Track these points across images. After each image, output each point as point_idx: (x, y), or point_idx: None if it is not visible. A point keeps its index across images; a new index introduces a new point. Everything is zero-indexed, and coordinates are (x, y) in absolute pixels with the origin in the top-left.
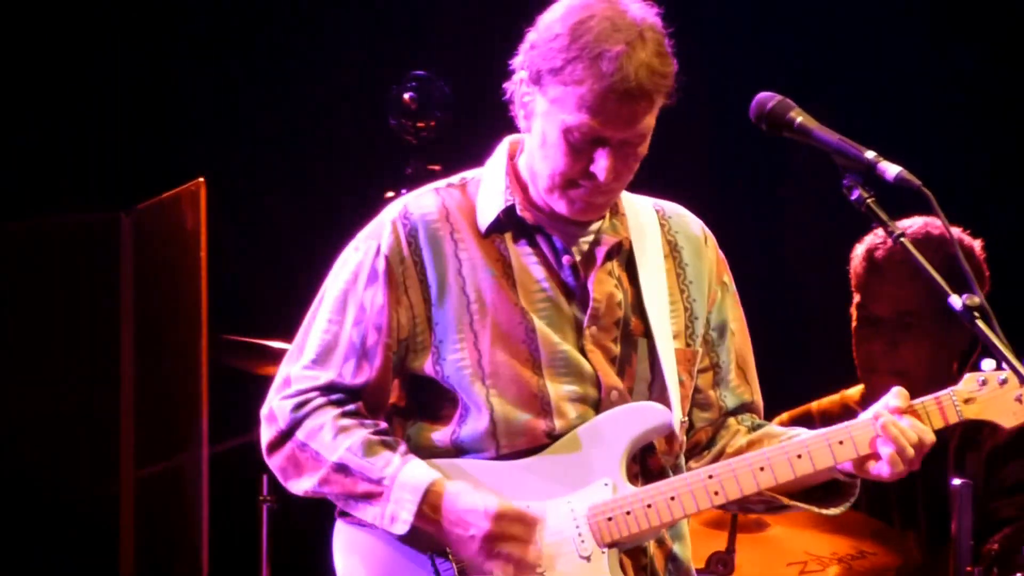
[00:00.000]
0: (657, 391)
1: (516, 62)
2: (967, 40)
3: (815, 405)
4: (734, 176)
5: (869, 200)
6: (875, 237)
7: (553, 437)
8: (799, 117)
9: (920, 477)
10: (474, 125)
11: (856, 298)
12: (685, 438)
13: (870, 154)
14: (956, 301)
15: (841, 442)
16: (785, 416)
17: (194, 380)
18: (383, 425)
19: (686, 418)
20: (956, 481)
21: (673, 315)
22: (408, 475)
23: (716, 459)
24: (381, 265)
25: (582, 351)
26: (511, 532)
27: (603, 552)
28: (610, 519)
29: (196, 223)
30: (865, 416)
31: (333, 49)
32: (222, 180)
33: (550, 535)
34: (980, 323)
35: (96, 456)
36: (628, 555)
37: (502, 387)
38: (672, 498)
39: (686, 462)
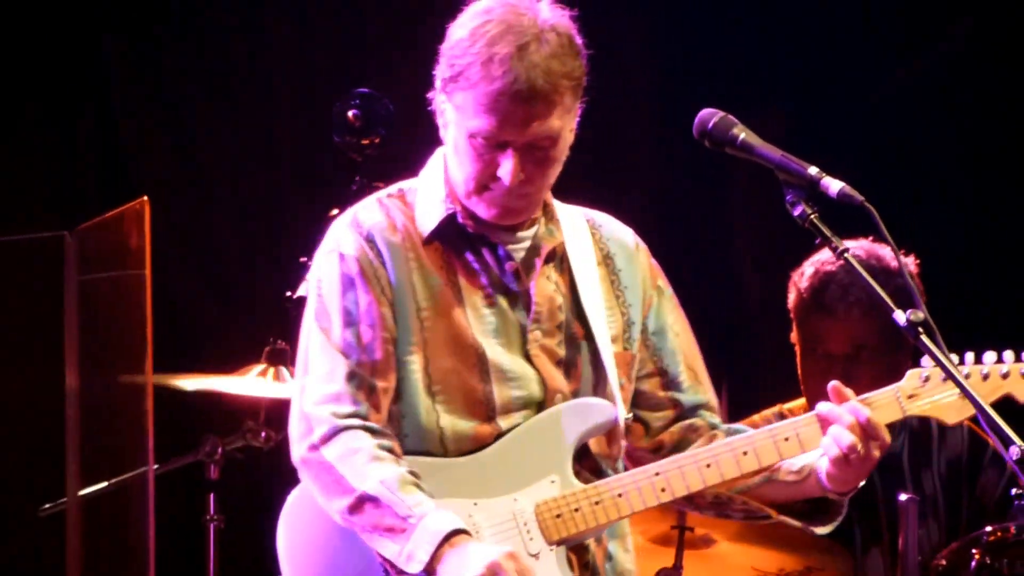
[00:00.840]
0: (601, 392)
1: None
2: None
3: (757, 417)
4: (684, 186)
5: (812, 216)
6: (815, 276)
7: (499, 437)
8: (741, 134)
9: (881, 493)
10: (418, 141)
11: (799, 331)
12: (625, 442)
13: (813, 170)
14: (900, 317)
15: (787, 439)
16: (757, 417)
17: (139, 399)
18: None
19: (630, 415)
20: (903, 496)
21: (610, 319)
22: (434, 521)
23: None
24: (353, 268)
25: (527, 355)
26: (513, 569)
27: (551, 549)
28: (558, 516)
29: (140, 242)
30: (812, 413)
31: (276, 66)
32: (166, 199)
33: (497, 531)
34: (924, 338)
35: (41, 475)
36: (574, 551)
37: (449, 394)
38: (620, 495)
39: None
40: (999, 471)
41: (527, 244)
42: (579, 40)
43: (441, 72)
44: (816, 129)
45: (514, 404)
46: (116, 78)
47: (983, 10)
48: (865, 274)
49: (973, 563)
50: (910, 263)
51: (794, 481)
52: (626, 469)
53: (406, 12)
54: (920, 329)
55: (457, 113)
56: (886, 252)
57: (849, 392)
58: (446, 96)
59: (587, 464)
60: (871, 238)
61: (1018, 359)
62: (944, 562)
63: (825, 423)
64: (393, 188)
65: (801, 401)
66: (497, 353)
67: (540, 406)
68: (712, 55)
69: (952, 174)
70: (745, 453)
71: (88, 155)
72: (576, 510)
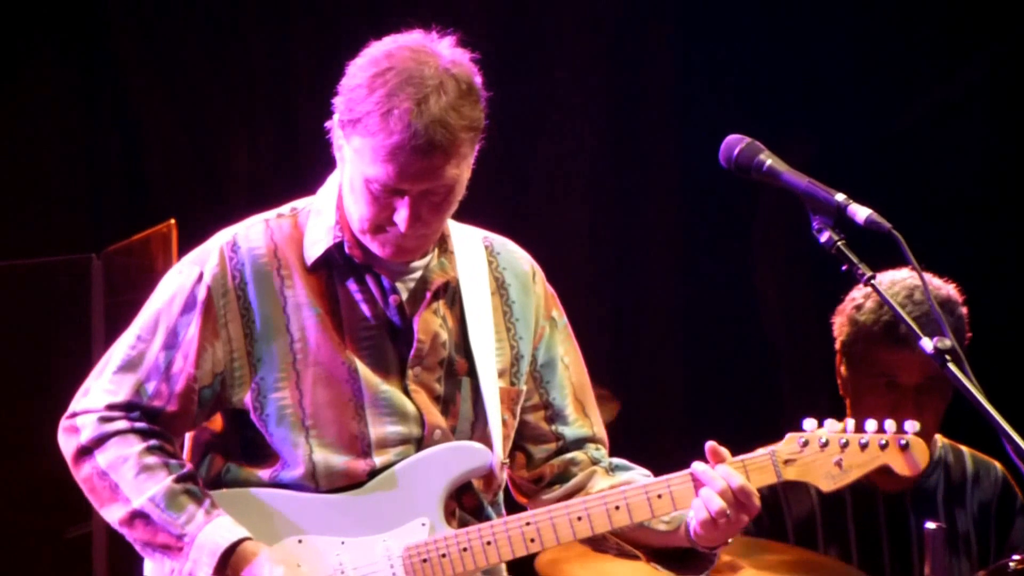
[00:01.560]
0: (480, 430)
1: (334, 101)
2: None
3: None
4: (707, 212)
5: (839, 243)
6: (882, 308)
7: (374, 475)
8: (768, 160)
9: (913, 529)
10: None
11: (861, 365)
12: (505, 477)
13: (840, 197)
14: (927, 344)
15: (660, 496)
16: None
17: None
18: (188, 467)
19: (507, 459)
20: (930, 525)
21: (499, 353)
22: (208, 536)
23: (573, 494)
24: (201, 294)
25: (405, 391)
26: None
27: None
28: (425, 561)
29: (167, 264)
30: (687, 470)
31: (303, 85)
32: (193, 222)
33: (363, 572)
34: (952, 366)
35: (67, 497)
36: None
37: (322, 428)
38: (488, 543)
39: (536, 494)
40: None
41: (417, 276)
42: (479, 82)
43: (340, 110)
44: (842, 156)
45: (390, 440)
46: (141, 100)
47: (1008, 36)
48: (892, 302)
49: None
50: (961, 309)
51: (665, 531)
52: (507, 497)
53: (433, 18)
54: (947, 356)
55: (355, 154)
56: (947, 287)
57: (725, 453)
58: (343, 134)
59: (467, 499)
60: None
61: (899, 430)
62: None
63: (698, 484)
64: (286, 207)
65: None
66: (374, 387)
67: (419, 442)
68: (737, 80)
69: (979, 201)
70: (617, 508)
71: (116, 178)
72: (443, 556)
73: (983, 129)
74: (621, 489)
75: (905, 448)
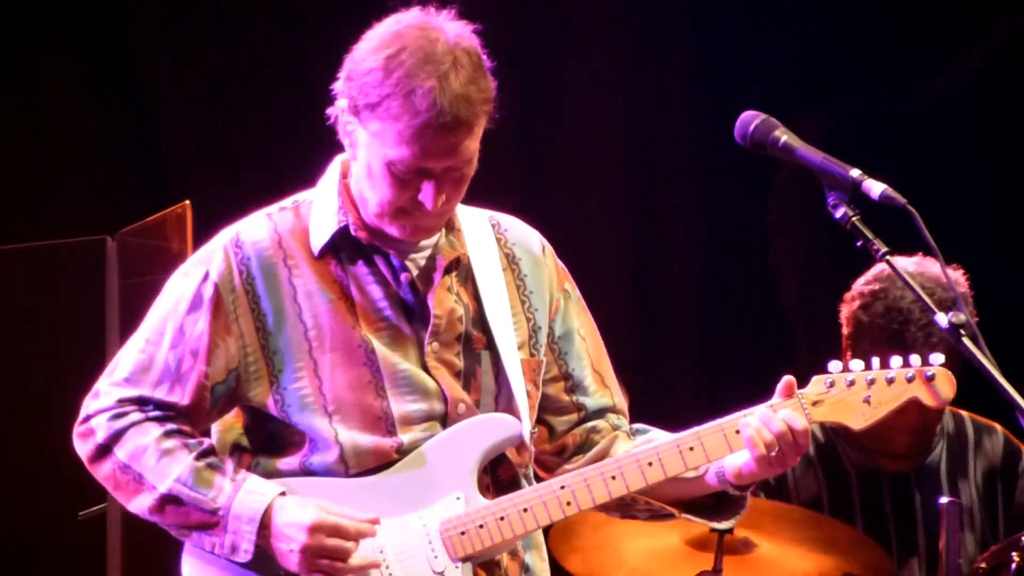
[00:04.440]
0: (504, 402)
1: (336, 88)
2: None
3: None
4: (723, 189)
5: (854, 218)
6: (885, 315)
7: (402, 453)
8: (783, 136)
9: (919, 505)
10: None
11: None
12: (534, 447)
13: (855, 172)
14: (942, 319)
15: (692, 448)
16: None
17: None
18: (207, 443)
19: (535, 428)
20: (944, 499)
21: (516, 326)
22: (242, 505)
23: (597, 461)
24: (208, 292)
25: (425, 368)
26: (327, 544)
27: (457, 567)
28: (463, 533)
29: (182, 246)
30: (715, 422)
31: (318, 68)
32: (208, 203)
33: (403, 550)
34: (966, 340)
35: (81, 478)
36: (483, 568)
37: (345, 412)
38: (525, 510)
39: (559, 466)
40: None
41: (426, 254)
42: (484, 54)
43: (350, 96)
44: (857, 131)
45: (414, 417)
46: (156, 82)
47: (1020, 12)
48: (908, 277)
49: (1013, 566)
50: (959, 277)
51: (693, 477)
52: (533, 473)
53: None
54: (962, 331)
55: (373, 139)
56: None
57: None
58: (357, 120)
59: (502, 471)
60: (921, 253)
61: (924, 363)
62: (984, 565)
63: (750, 425)
64: (287, 201)
65: None
66: (392, 366)
67: (442, 416)
68: (751, 59)
69: (993, 176)
70: (651, 464)
71: (130, 160)
72: (481, 526)
73: (1000, 102)
74: (652, 445)
75: (931, 380)
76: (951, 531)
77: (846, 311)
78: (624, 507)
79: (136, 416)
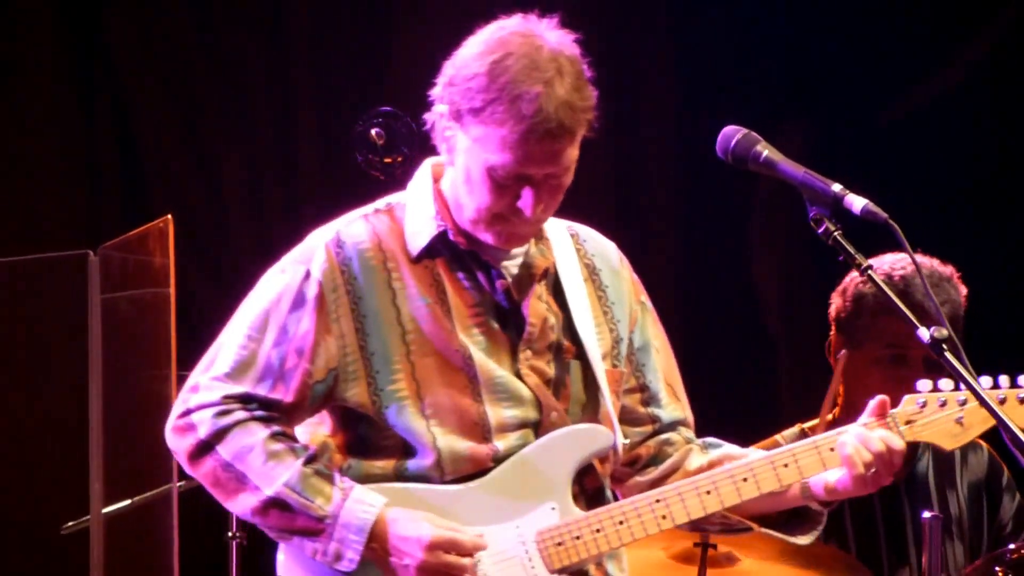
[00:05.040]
0: (590, 412)
1: (435, 93)
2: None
3: (779, 437)
4: (703, 206)
5: (836, 233)
6: (889, 281)
7: (498, 460)
8: (765, 151)
9: (908, 514)
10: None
11: (870, 342)
12: (615, 461)
13: (836, 187)
14: (924, 334)
15: (786, 465)
16: (778, 436)
17: (163, 416)
18: (312, 448)
19: (627, 440)
20: (926, 514)
21: (600, 337)
22: (351, 514)
23: (670, 474)
24: (312, 290)
25: (518, 375)
26: (445, 561)
27: None
28: (559, 544)
29: (164, 260)
30: (808, 440)
31: (299, 84)
32: (189, 218)
33: (499, 559)
34: (949, 355)
35: (65, 492)
36: (573, 573)
37: (442, 416)
38: (620, 523)
39: (630, 477)
40: (1012, 497)
41: (518, 262)
42: (585, 64)
43: (451, 101)
44: (837, 146)
45: (509, 424)
46: (137, 96)
47: (1003, 25)
48: (889, 291)
49: None
50: (962, 289)
51: (775, 493)
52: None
53: (429, 31)
54: (944, 346)
55: (474, 144)
56: (944, 267)
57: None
58: (458, 125)
59: (588, 481)
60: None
61: (1014, 384)
62: None
63: (848, 444)
64: (381, 203)
65: (816, 421)
66: (489, 373)
67: (536, 425)
68: (733, 72)
69: (974, 190)
70: (745, 480)
71: (112, 174)
72: (577, 538)
73: (980, 115)
74: (744, 462)
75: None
76: (933, 546)
77: (839, 299)
78: (698, 520)
79: (241, 415)
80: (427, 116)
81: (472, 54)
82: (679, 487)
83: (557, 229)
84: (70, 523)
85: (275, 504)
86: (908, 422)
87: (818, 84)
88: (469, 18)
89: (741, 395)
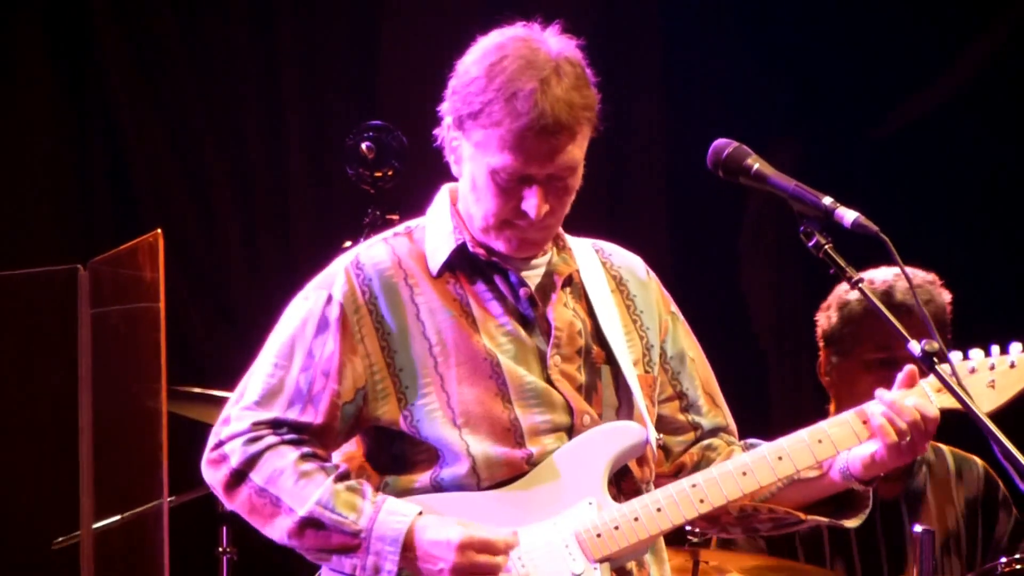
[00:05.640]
0: (624, 416)
1: (443, 108)
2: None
3: None
4: (694, 219)
5: (827, 246)
6: (871, 286)
7: (532, 464)
8: (755, 164)
9: (908, 525)
10: (432, 174)
11: (856, 351)
12: (653, 464)
13: (827, 200)
14: (915, 347)
15: (820, 440)
16: None
17: (153, 431)
18: (343, 467)
19: (661, 437)
20: (917, 528)
21: (630, 343)
22: (384, 526)
23: None
24: (334, 313)
25: (548, 380)
26: (477, 561)
27: (595, 567)
28: (599, 535)
29: (154, 274)
30: (843, 415)
31: (289, 98)
32: (179, 232)
33: (539, 554)
34: (940, 369)
35: (55, 508)
36: (616, 573)
37: (475, 424)
38: (658, 509)
39: None
40: (1008, 513)
41: (541, 271)
42: (588, 69)
43: (454, 109)
44: (829, 159)
45: (541, 428)
46: (127, 111)
47: (995, 38)
48: (878, 303)
49: None
50: (945, 295)
51: (815, 477)
52: None
53: (419, 45)
54: (935, 359)
55: (476, 150)
56: (926, 275)
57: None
58: (461, 133)
59: (626, 486)
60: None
61: (1004, 351)
62: None
63: (863, 419)
64: (400, 227)
65: None
66: (518, 379)
67: (568, 428)
68: (723, 85)
69: (966, 204)
70: (780, 458)
71: (102, 189)
72: (616, 528)
73: (970, 132)
74: (777, 442)
75: None
76: (924, 560)
77: (826, 312)
78: (746, 519)
79: (271, 439)
80: (436, 132)
81: (471, 60)
82: (713, 471)
83: (581, 245)
84: (60, 538)
85: (309, 524)
86: (939, 390)
87: (808, 98)
88: (459, 33)
89: (732, 407)
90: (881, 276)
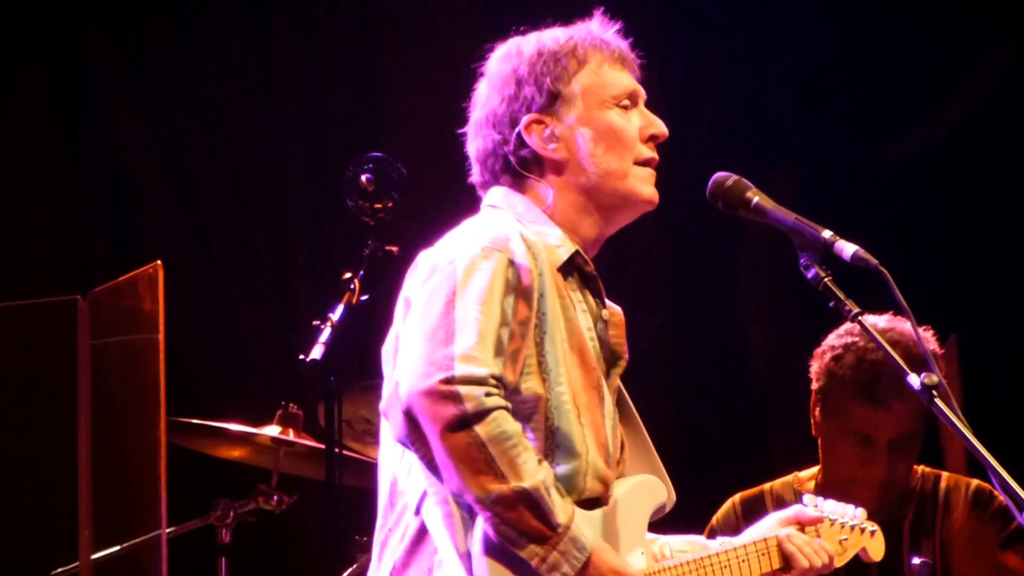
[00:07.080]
0: (647, 460)
1: (495, 138)
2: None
3: (768, 486)
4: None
5: (826, 279)
6: (859, 365)
7: (608, 489)
8: (755, 197)
9: (905, 554)
10: (430, 205)
11: (834, 415)
12: None
13: (827, 233)
14: (914, 380)
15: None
16: (737, 498)
17: (152, 462)
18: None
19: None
20: (916, 560)
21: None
22: (579, 530)
23: None
24: (515, 275)
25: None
26: None
27: None
28: None
29: (154, 306)
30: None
31: (289, 130)
32: (179, 263)
33: None
34: (939, 402)
35: (54, 539)
36: None
37: (591, 430)
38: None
39: None
40: None
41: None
42: None
43: (536, 94)
44: (828, 192)
45: (612, 455)
46: (126, 143)
47: (995, 72)
48: (880, 338)
49: None
50: (929, 336)
51: None
52: None
53: (419, 77)
54: (934, 392)
55: (587, 99)
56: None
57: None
58: (559, 103)
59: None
60: (892, 312)
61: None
62: None
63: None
64: (499, 236)
65: (815, 470)
66: (608, 397)
67: (616, 461)
68: (724, 118)
69: (966, 237)
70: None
71: (101, 220)
72: None
73: (970, 163)
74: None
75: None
76: None
77: (817, 365)
78: None
79: (501, 401)
80: (505, 151)
81: (526, 53)
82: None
83: None
84: (59, 569)
85: (525, 498)
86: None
87: (805, 131)
88: (458, 66)
89: (731, 443)
90: (869, 350)
